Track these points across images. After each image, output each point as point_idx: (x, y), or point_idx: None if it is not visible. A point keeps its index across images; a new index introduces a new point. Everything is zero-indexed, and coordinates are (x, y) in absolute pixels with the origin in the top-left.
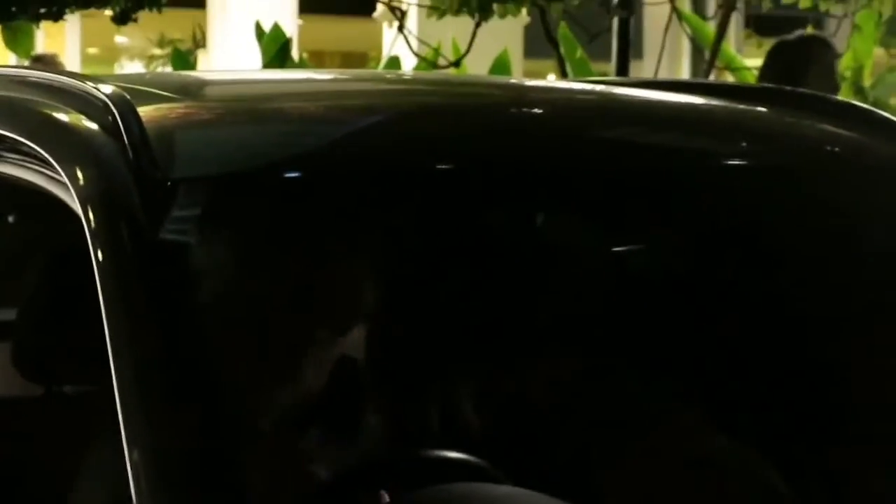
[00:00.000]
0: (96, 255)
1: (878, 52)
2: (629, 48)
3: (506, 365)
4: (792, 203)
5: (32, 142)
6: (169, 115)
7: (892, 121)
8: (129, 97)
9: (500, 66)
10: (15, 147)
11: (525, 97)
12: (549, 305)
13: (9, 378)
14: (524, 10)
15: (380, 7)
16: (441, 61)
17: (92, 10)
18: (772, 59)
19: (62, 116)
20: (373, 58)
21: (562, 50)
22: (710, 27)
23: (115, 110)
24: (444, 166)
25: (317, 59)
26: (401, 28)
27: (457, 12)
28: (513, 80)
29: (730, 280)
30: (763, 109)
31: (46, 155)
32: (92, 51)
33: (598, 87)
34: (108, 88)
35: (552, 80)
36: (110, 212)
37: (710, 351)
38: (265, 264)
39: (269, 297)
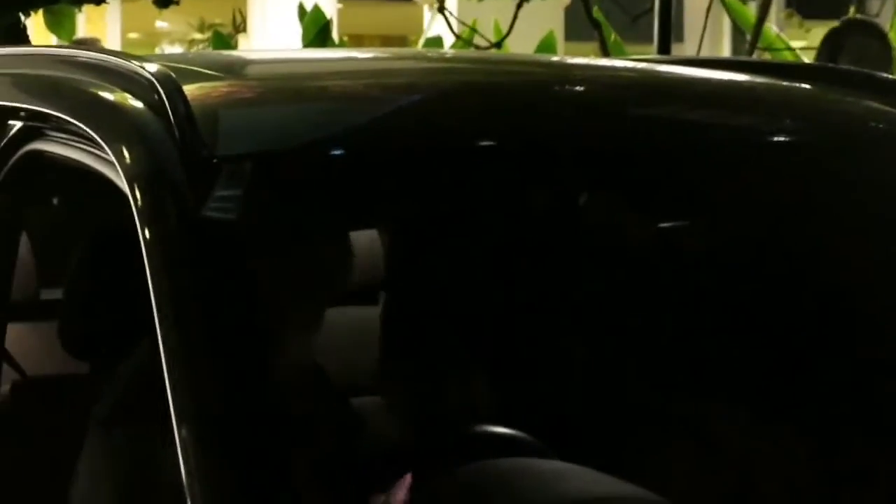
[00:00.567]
0: (143, 233)
1: None
2: (671, 30)
3: (554, 343)
4: (847, 181)
5: (79, 121)
6: (214, 93)
7: None
8: (174, 76)
9: (546, 47)
10: (61, 126)
11: (587, 76)
12: (600, 285)
13: (57, 356)
14: None
15: None
16: (483, 43)
17: None
18: (824, 46)
19: (108, 95)
20: (413, 41)
21: None
22: (751, 8)
23: (160, 89)
24: (489, 143)
25: (356, 42)
26: (441, 9)
27: None
28: (566, 59)
29: (781, 260)
30: (824, 88)
31: (93, 134)
32: (132, 35)
33: (691, 70)
34: (153, 67)
35: (636, 59)
36: (157, 190)
37: (767, 336)
38: (310, 241)
39: (314, 273)
